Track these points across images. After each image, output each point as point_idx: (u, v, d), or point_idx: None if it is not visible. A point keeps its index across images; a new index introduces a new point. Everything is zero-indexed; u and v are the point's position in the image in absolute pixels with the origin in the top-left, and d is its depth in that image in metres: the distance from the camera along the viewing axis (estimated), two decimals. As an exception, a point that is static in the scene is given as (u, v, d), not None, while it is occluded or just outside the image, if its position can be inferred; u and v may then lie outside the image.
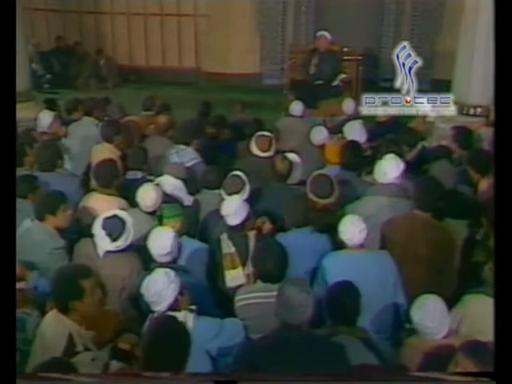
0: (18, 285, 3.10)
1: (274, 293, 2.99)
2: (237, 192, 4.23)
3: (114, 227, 3.52)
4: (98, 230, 3.55)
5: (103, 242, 3.54)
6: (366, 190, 4.47)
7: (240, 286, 3.66)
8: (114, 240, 3.52)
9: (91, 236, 3.64)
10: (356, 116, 6.11)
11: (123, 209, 4.04)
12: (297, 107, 6.74)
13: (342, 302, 3.10)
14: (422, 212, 4.00)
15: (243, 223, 3.87)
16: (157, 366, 2.58)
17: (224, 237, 3.87)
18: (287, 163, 4.73)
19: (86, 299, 2.86)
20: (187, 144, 5.43)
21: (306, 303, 2.84)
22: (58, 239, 3.84)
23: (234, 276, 3.78)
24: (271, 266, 3.35)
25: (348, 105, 6.79)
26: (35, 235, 3.78)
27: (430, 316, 3.00)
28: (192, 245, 3.86)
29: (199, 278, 3.69)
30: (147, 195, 4.16)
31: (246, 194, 4.27)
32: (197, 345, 2.80)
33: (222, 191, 4.36)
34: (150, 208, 4.15)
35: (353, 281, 3.18)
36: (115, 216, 3.57)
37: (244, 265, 3.77)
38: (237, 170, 4.56)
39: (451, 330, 3.03)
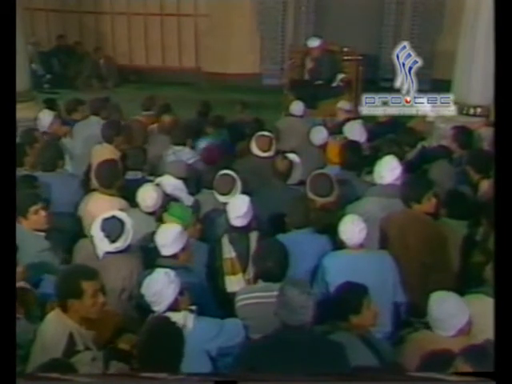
0: (18, 284, 3.10)
1: (275, 292, 3.00)
2: (228, 191, 4.23)
3: (113, 228, 3.50)
4: (96, 231, 3.53)
5: (102, 243, 3.53)
6: (366, 190, 4.47)
7: (240, 288, 3.66)
8: (113, 241, 3.50)
9: (90, 237, 3.63)
10: (356, 116, 6.11)
11: (123, 209, 4.03)
12: (297, 107, 6.74)
13: (349, 301, 3.10)
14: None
15: (248, 225, 3.87)
16: (151, 366, 2.58)
17: (225, 240, 3.87)
18: (287, 163, 4.73)
19: (87, 300, 2.85)
20: (185, 144, 5.44)
21: (307, 304, 2.84)
22: (41, 241, 3.73)
23: (234, 282, 3.78)
24: (272, 265, 3.34)
25: (344, 105, 6.83)
26: (19, 238, 3.70)
27: (448, 311, 2.99)
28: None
29: (199, 277, 3.68)
30: (147, 195, 4.15)
31: (237, 192, 4.26)
32: (197, 345, 2.80)
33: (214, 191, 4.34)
34: (151, 208, 4.14)
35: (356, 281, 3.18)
36: (114, 217, 3.55)
37: (244, 270, 3.77)
38: (237, 170, 4.56)
39: (461, 330, 3.02)
